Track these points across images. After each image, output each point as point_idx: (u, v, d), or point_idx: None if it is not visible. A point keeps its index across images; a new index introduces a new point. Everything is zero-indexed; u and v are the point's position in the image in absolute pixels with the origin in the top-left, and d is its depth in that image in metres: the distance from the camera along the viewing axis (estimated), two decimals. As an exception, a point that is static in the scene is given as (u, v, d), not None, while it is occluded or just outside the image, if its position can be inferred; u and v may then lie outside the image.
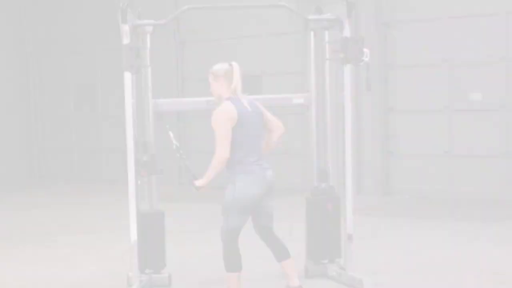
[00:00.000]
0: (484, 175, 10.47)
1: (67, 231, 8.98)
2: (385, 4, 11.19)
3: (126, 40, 5.80)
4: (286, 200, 8.24)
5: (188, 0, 6.68)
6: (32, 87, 15.28)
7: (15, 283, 6.46)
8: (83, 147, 14.89)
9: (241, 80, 5.34)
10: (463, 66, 10.69)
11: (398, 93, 11.23)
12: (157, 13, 6.97)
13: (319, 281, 6.03)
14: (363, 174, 11.24)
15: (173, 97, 12.09)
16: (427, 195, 10.78)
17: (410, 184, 11.08)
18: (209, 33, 12.80)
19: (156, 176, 6.28)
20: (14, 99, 14.96)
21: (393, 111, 11.28)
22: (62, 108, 15.12)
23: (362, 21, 10.57)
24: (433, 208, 9.96)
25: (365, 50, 5.90)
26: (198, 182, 5.28)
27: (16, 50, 15.06)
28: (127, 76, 5.84)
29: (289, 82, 11.37)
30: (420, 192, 10.89)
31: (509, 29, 10.28)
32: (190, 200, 11.18)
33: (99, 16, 13.87)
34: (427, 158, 10.98)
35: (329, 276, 6.27)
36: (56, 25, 14.90)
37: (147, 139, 6.22)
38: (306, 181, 7.26)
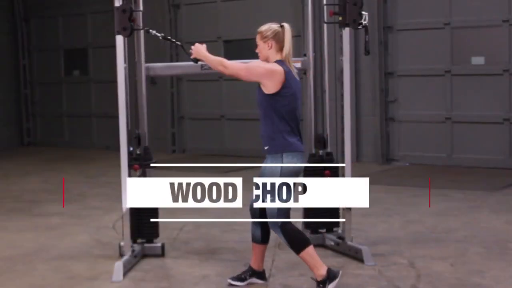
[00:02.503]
0: (486, 142, 10.36)
1: (58, 199, 8.82)
2: (385, -35, 10.98)
3: (118, 2, 5.64)
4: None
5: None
6: (22, 51, 15.01)
7: (5, 252, 6.33)
8: (73, 113, 14.68)
9: (291, 44, 4.91)
10: (465, 29, 10.50)
11: (399, 58, 11.05)
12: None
13: (316, 251, 5.85)
14: (362, 141, 11.13)
15: (166, 61, 11.92)
16: (428, 163, 10.66)
17: (411, 151, 10.95)
18: (203, -5, 12.61)
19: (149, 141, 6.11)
20: (2, 64, 14.70)
21: (393, 76, 11.11)
22: (52, 73, 14.88)
23: (361, -18, 10.33)
24: (434, 176, 9.84)
25: (363, 13, 5.70)
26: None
27: (6, 13, 14.76)
28: (119, 40, 5.68)
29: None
30: (421, 160, 10.76)
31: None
32: (183, 168, 11.09)
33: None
34: (428, 125, 10.86)
35: (327, 246, 6.13)
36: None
37: (140, 131, 6.07)
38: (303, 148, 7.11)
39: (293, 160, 4.85)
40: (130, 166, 5.82)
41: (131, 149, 5.94)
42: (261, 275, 5.26)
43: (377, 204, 8.06)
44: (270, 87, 4.82)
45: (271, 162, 4.84)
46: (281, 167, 4.82)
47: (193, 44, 5.14)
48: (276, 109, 4.83)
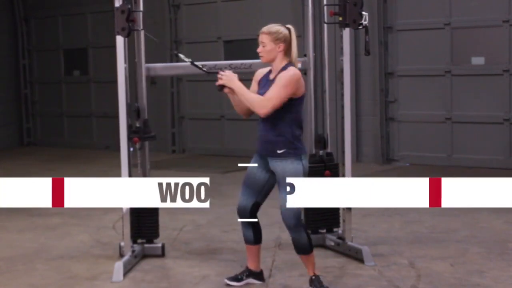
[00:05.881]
0: (486, 142, 10.35)
1: (59, 199, 8.81)
2: (385, -35, 10.98)
3: (118, 3, 5.66)
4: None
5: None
6: (21, 51, 14.98)
7: (5, 252, 6.32)
8: (73, 112, 14.67)
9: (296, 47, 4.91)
10: (465, 29, 10.50)
11: (399, 58, 11.05)
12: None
13: (317, 251, 5.86)
14: (362, 141, 11.12)
15: (167, 61, 11.90)
16: (428, 163, 10.66)
17: (411, 151, 10.95)
18: (204, -5, 12.60)
19: (149, 141, 6.09)
20: (2, 63, 14.68)
21: (393, 76, 11.11)
22: (52, 73, 14.87)
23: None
24: (434, 176, 9.78)
25: (363, 13, 5.70)
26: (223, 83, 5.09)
27: (5, 13, 14.76)
28: (119, 40, 5.69)
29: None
30: (421, 160, 10.76)
31: (512, -9, 10.11)
32: (183, 169, 11.10)
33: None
34: (428, 125, 10.85)
35: (327, 246, 6.14)
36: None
37: (139, 104, 6.04)
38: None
39: (307, 162, 4.93)
40: (129, 139, 5.78)
41: (131, 149, 5.93)
42: (258, 275, 5.25)
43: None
44: (298, 93, 4.83)
45: (292, 165, 4.82)
46: (303, 169, 4.84)
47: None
48: (293, 114, 4.83)
